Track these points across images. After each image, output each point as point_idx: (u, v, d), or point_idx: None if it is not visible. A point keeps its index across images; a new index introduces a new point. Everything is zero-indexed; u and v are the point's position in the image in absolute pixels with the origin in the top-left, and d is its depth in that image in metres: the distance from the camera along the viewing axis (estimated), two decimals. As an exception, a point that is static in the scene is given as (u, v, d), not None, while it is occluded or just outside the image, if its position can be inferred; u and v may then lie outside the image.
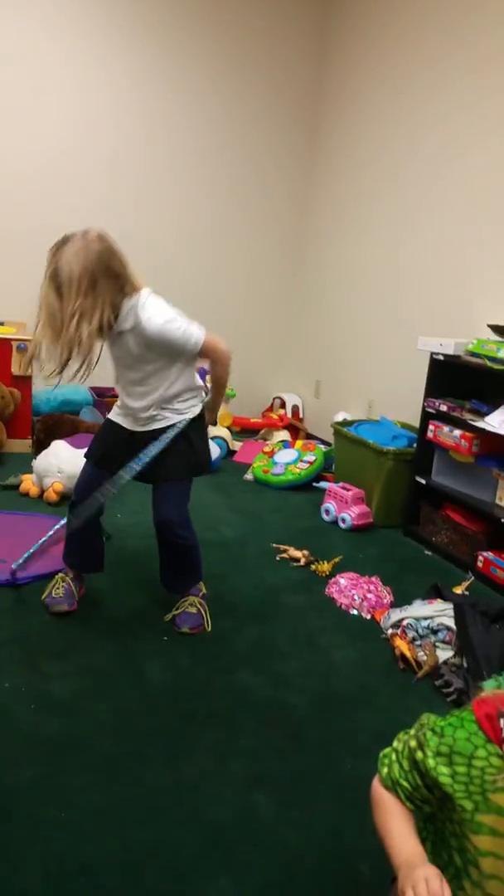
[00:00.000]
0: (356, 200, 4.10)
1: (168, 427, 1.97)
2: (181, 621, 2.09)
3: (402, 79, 3.67)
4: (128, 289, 1.77)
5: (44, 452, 3.14)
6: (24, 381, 3.57)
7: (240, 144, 4.34)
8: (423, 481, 3.04)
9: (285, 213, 4.58)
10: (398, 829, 0.95)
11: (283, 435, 4.36)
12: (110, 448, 2.04)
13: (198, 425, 2.03)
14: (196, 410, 2.01)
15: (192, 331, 1.84)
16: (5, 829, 1.32)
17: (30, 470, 3.19)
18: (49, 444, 3.36)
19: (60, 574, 2.18)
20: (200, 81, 4.14)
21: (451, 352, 2.88)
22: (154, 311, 1.79)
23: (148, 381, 1.93)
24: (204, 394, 2.06)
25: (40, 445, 3.54)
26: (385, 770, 1.01)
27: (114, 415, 2.08)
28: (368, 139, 3.97)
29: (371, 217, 3.96)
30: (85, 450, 2.38)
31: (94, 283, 1.67)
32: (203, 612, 2.14)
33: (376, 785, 1.02)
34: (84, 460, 2.13)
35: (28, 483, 3.09)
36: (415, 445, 3.12)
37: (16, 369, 3.52)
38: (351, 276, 4.17)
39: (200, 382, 2.04)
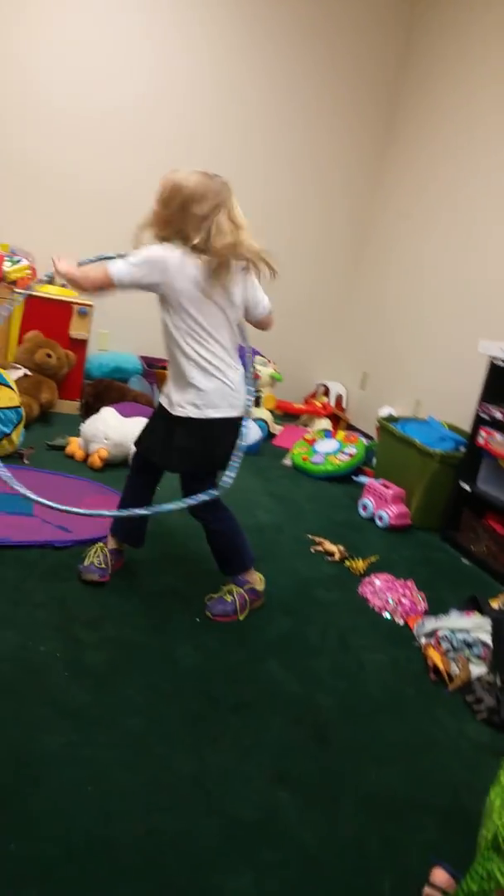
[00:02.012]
0: (428, 195, 4.00)
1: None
2: (211, 605, 2.09)
3: (487, 75, 3.54)
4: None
5: (92, 418, 3.15)
6: (80, 345, 3.58)
7: (315, 125, 4.25)
8: (468, 488, 2.98)
9: (354, 200, 4.49)
10: None
11: (325, 423, 4.32)
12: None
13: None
14: None
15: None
16: (33, 795, 1.34)
17: (76, 433, 3.21)
18: (97, 409, 3.37)
19: (101, 543, 2.19)
20: (283, 61, 4.05)
21: (513, 360, 2.80)
22: None
23: None
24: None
25: (88, 409, 3.56)
26: None
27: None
28: (446, 134, 3.86)
29: (441, 213, 3.85)
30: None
31: None
32: (238, 605, 2.10)
33: None
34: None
35: (74, 446, 3.11)
36: (462, 450, 3.07)
37: (73, 333, 3.53)
38: (413, 270, 4.07)
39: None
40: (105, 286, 1.82)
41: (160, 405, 2.03)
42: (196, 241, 1.77)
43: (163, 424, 1.99)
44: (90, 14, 3.67)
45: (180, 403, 1.91)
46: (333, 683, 1.91)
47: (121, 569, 2.20)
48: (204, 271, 1.79)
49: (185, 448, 1.94)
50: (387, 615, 2.30)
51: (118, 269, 1.79)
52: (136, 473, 2.15)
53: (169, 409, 1.95)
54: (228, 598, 2.10)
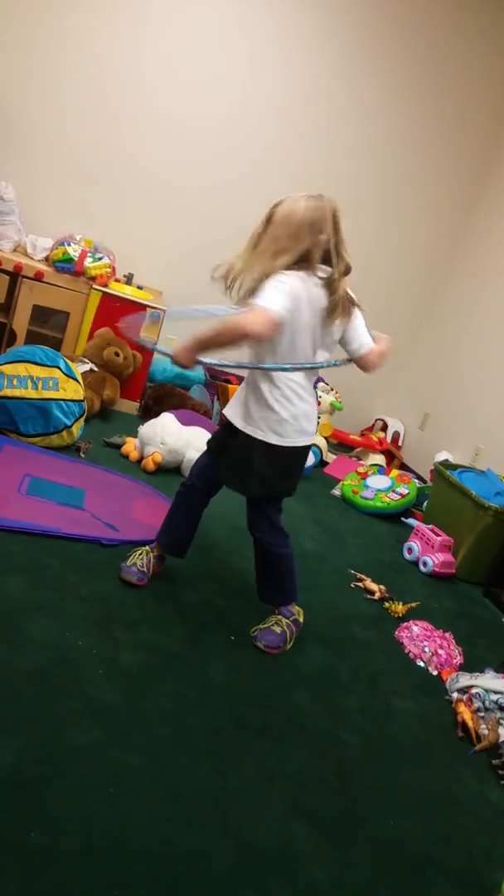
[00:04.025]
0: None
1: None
2: (261, 636, 2.06)
3: None
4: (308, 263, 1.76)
5: (152, 421, 3.20)
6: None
7: (408, 160, 4.26)
8: (518, 547, 2.93)
9: (438, 240, 4.48)
10: None
11: (379, 459, 4.29)
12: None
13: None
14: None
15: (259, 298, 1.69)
16: (58, 788, 1.36)
17: (134, 433, 3.26)
18: (155, 412, 3.43)
19: (147, 547, 2.22)
20: (387, 96, 4.09)
21: None
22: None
23: None
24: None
25: (147, 411, 3.63)
26: None
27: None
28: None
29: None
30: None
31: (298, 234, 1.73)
32: (287, 636, 2.08)
33: None
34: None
35: (130, 446, 3.16)
36: (518, 508, 3.01)
37: (143, 335, 3.60)
38: (492, 318, 4.04)
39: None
40: (266, 330, 1.68)
41: (228, 423, 1.98)
42: (321, 268, 1.77)
43: (238, 446, 1.94)
44: (208, 27, 3.78)
45: (260, 427, 1.88)
46: (360, 723, 1.89)
47: (161, 574, 2.22)
48: (329, 301, 1.79)
49: (265, 475, 1.93)
50: (421, 663, 2.27)
51: (279, 306, 1.68)
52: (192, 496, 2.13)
53: (247, 432, 1.90)
54: (278, 630, 2.08)
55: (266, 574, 2.11)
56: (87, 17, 3.62)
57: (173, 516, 2.18)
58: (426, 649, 2.29)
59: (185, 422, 3.27)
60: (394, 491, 3.62)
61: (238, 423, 1.93)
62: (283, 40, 3.87)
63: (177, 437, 3.12)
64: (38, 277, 3.43)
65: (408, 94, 4.12)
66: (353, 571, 2.76)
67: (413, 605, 2.60)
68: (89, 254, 3.53)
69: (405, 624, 2.44)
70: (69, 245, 3.50)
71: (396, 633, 2.41)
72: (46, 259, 3.57)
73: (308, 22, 3.86)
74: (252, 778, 1.56)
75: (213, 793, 1.48)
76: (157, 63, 3.76)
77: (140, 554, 2.19)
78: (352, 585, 2.67)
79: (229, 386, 3.91)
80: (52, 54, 3.63)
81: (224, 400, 3.87)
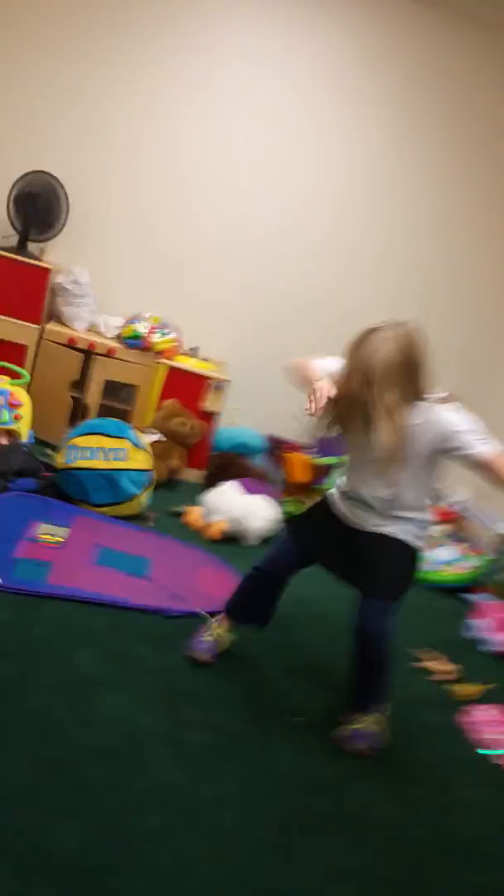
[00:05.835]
0: None
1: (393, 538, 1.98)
2: (358, 737, 1.95)
3: None
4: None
5: (216, 490, 3.25)
6: (211, 417, 3.74)
7: (458, 240, 4.29)
8: None
9: (482, 321, 4.44)
10: None
11: (446, 529, 4.19)
12: (321, 533, 2.09)
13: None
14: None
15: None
16: (124, 876, 1.34)
17: (197, 501, 3.31)
18: (219, 481, 3.48)
19: (216, 621, 2.19)
20: (434, 175, 4.14)
21: None
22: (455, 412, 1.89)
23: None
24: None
25: (211, 479, 3.68)
26: None
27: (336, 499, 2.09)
28: None
29: None
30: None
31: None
32: (384, 732, 2.00)
33: None
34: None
35: (194, 515, 3.20)
36: None
37: (207, 405, 3.70)
38: None
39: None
40: None
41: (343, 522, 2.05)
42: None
43: (383, 550, 1.99)
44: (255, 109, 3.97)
45: (420, 536, 2.02)
46: (431, 818, 1.80)
47: (230, 648, 2.17)
48: None
49: (410, 577, 2.05)
50: (493, 753, 2.16)
51: None
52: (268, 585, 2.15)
53: (402, 539, 1.98)
54: (376, 728, 1.98)
55: (367, 676, 1.99)
56: (162, 101, 3.83)
57: (247, 594, 2.16)
58: (499, 737, 2.19)
59: (250, 490, 3.31)
60: (460, 564, 3.53)
61: (396, 532, 1.98)
62: (354, 126, 3.98)
63: (241, 506, 3.16)
64: (110, 354, 3.59)
65: (459, 176, 4.20)
66: (414, 650, 2.67)
67: (488, 686, 2.49)
68: (157, 330, 3.69)
69: (474, 708, 2.34)
70: (138, 323, 3.67)
71: (464, 717, 2.31)
72: (118, 336, 3.73)
73: (381, 112, 3.98)
74: (317, 877, 1.50)
75: (279, 892, 1.43)
76: (229, 145, 3.92)
77: (207, 630, 2.16)
78: (412, 665, 2.58)
79: (293, 456, 3.94)
80: (128, 145, 3.87)
81: (288, 468, 3.89)
